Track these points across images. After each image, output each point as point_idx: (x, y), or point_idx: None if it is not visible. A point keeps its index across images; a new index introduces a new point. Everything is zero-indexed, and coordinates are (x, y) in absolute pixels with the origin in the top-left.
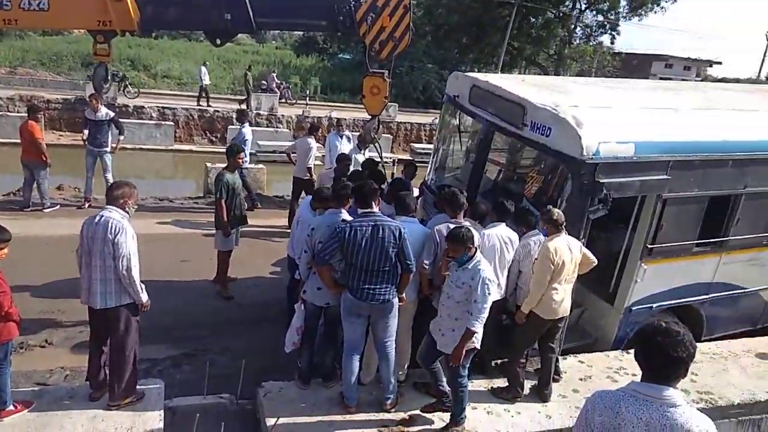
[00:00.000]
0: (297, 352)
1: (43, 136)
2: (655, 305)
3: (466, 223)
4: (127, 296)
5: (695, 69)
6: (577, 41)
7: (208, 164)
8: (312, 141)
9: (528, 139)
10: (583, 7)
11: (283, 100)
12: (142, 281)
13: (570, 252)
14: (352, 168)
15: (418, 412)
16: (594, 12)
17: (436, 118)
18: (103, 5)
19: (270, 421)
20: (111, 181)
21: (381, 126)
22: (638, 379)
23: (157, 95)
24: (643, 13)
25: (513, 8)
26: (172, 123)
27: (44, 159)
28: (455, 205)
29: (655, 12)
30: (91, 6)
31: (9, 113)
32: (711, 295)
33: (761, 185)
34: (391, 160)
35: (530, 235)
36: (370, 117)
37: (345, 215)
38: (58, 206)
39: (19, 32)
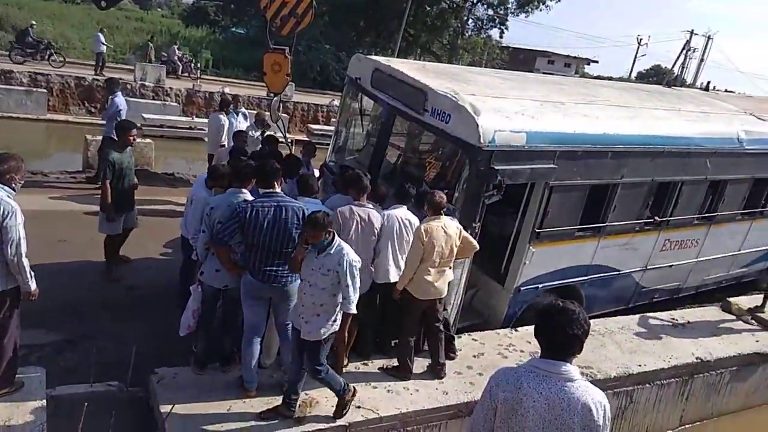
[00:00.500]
0: (192, 336)
1: None
2: (541, 285)
3: (369, 206)
4: (12, 280)
5: (575, 66)
6: (469, 33)
7: (88, 136)
8: (223, 117)
9: (428, 124)
10: (475, 0)
11: (186, 74)
12: None
13: (445, 235)
14: (248, 147)
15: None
16: (485, 6)
17: (334, 100)
18: None
19: (164, 408)
20: None
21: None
22: (527, 355)
23: (82, 65)
24: (529, 10)
25: None
26: (45, 90)
27: None
28: (359, 188)
29: (541, 10)
30: None
31: None
32: (590, 276)
33: (635, 176)
34: (289, 140)
35: None
36: (269, 95)
37: (247, 195)
38: None
39: None
